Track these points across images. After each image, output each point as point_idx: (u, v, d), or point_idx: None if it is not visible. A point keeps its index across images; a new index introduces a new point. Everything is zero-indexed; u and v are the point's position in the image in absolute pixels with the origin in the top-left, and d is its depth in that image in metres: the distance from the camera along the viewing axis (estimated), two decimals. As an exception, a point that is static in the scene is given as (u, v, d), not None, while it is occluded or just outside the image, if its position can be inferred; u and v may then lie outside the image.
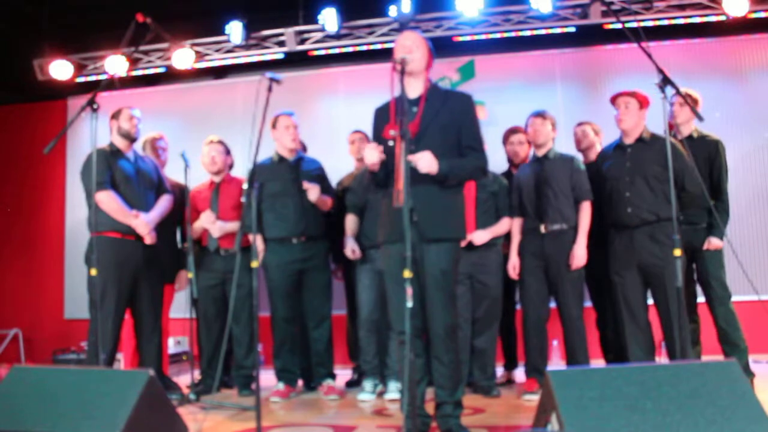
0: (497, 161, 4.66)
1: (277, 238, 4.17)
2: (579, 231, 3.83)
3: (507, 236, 4.21)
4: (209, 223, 4.31)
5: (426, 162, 2.68)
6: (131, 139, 4.07)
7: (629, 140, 3.74)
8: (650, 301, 3.68)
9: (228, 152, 4.60)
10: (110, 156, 3.96)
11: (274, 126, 4.27)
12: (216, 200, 4.44)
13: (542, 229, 3.89)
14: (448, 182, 2.80)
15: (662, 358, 4.03)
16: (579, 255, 3.79)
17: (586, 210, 3.86)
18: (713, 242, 3.82)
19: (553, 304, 3.98)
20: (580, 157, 4.22)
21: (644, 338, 3.61)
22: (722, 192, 3.91)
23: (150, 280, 4.03)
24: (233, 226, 4.36)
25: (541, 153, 4.02)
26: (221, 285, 4.38)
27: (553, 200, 3.87)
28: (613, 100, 3.77)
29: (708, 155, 3.90)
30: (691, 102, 3.90)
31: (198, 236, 4.42)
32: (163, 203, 4.15)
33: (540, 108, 4.13)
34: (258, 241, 4.15)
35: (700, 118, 3.75)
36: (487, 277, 4.05)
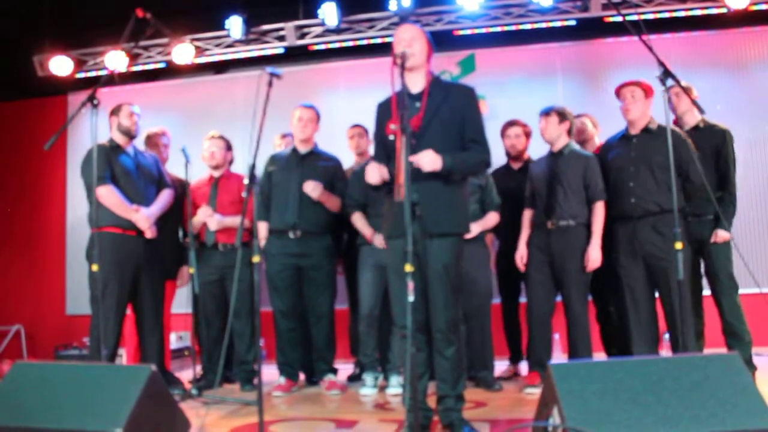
0: (498, 155, 4.65)
1: (274, 229, 4.18)
2: (593, 232, 3.78)
3: (505, 229, 4.21)
4: (207, 216, 4.31)
5: (428, 161, 2.68)
6: (131, 136, 4.08)
7: (635, 130, 3.72)
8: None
9: (229, 148, 4.59)
10: (110, 151, 3.96)
11: (293, 117, 4.28)
12: (215, 195, 4.44)
13: (549, 224, 3.88)
14: (453, 177, 2.79)
15: (665, 351, 4.03)
16: (594, 257, 3.75)
17: (599, 210, 3.80)
18: (720, 235, 3.77)
19: (556, 298, 3.98)
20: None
21: (648, 331, 3.61)
22: (729, 183, 3.83)
23: (151, 275, 4.04)
24: (231, 220, 4.35)
25: (555, 149, 3.98)
26: (220, 280, 4.37)
27: (561, 197, 3.84)
28: (618, 91, 3.75)
29: (715, 145, 3.84)
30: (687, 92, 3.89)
31: (197, 231, 4.42)
32: (164, 198, 4.15)
33: (541, 102, 4.12)
34: (262, 229, 4.16)
35: (700, 110, 3.74)
36: (475, 272, 4.02)
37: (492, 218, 4.13)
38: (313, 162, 4.26)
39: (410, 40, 2.84)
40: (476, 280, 4.03)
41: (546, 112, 3.98)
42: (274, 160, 4.33)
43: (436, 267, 2.77)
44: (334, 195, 4.21)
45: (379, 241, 4.02)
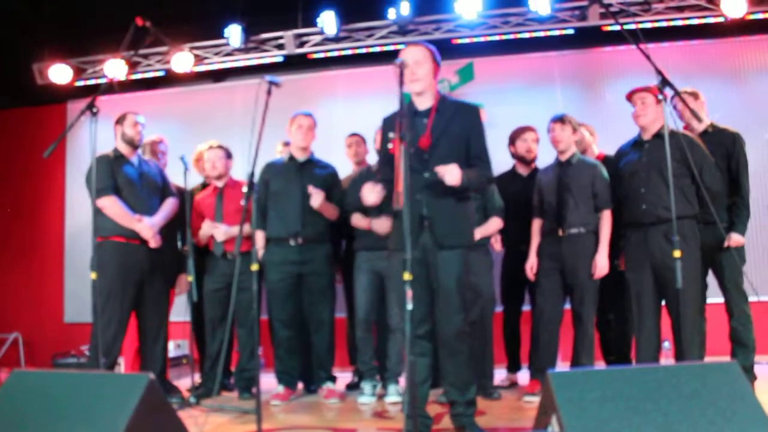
0: (500, 163, 4.65)
1: (275, 237, 4.17)
2: (600, 240, 3.82)
3: (512, 236, 4.22)
4: (212, 229, 4.32)
5: (454, 176, 2.74)
6: (134, 145, 4.08)
7: (647, 136, 3.71)
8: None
9: (229, 156, 4.60)
10: (113, 161, 3.97)
11: (291, 125, 4.27)
12: (220, 205, 4.45)
13: (560, 232, 3.89)
14: (466, 193, 2.89)
15: (664, 359, 4.02)
16: (601, 264, 3.78)
17: (606, 218, 3.84)
18: (734, 238, 3.74)
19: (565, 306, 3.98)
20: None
21: (654, 340, 3.60)
22: (741, 187, 3.81)
23: (155, 284, 4.04)
24: (237, 229, 4.34)
25: (563, 158, 4.00)
26: (227, 288, 4.36)
27: (572, 205, 3.86)
28: (629, 97, 3.74)
29: (725, 149, 3.83)
30: (690, 100, 3.89)
31: (205, 243, 4.43)
32: (168, 206, 4.15)
33: (540, 110, 4.13)
34: (259, 238, 4.16)
35: (698, 118, 3.76)
36: (477, 278, 3.99)
37: (494, 223, 4.12)
38: (311, 170, 4.27)
39: (414, 65, 2.88)
40: (479, 288, 4.02)
41: (561, 120, 3.99)
42: (270, 168, 4.32)
43: (446, 278, 2.84)
44: (332, 203, 4.21)
45: (378, 225, 3.97)
